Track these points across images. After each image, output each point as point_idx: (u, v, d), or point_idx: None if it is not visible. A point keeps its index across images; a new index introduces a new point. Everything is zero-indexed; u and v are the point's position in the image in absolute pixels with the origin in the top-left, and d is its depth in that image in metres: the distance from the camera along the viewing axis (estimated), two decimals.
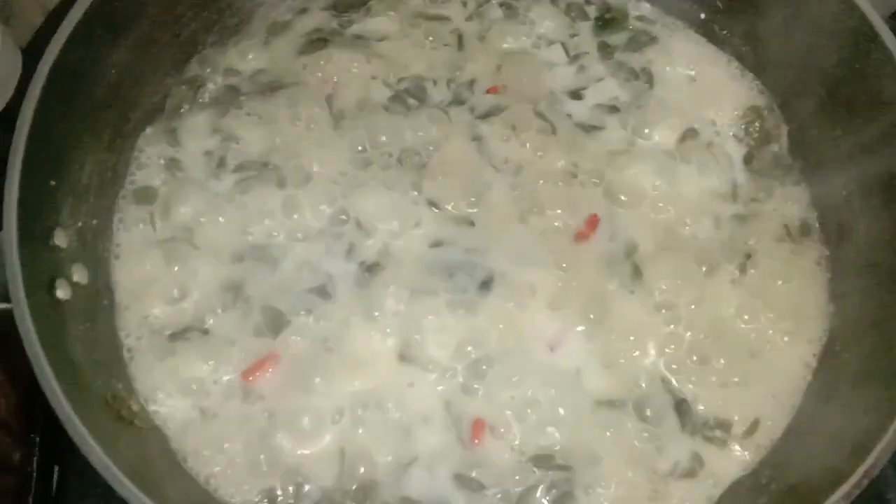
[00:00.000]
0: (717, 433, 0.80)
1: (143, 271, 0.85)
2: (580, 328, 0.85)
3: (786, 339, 0.85)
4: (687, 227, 0.91)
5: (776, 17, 0.95)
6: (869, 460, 0.64)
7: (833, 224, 0.90)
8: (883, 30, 0.83)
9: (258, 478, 0.77)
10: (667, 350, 0.84)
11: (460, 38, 1.02)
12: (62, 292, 0.75)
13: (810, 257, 0.90)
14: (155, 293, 0.84)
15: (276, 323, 0.83)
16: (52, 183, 0.79)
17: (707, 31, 1.02)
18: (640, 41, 1.02)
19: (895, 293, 0.81)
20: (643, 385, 0.83)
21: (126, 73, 0.89)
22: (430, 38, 1.01)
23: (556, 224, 0.90)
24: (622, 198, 0.92)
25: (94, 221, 0.84)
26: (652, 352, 0.84)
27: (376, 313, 0.83)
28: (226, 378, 0.81)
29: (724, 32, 1.00)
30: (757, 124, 0.97)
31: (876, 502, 0.91)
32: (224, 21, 0.98)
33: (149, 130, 0.93)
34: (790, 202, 0.93)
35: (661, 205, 0.92)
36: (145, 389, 0.80)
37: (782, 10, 0.94)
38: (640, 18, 1.03)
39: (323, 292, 0.85)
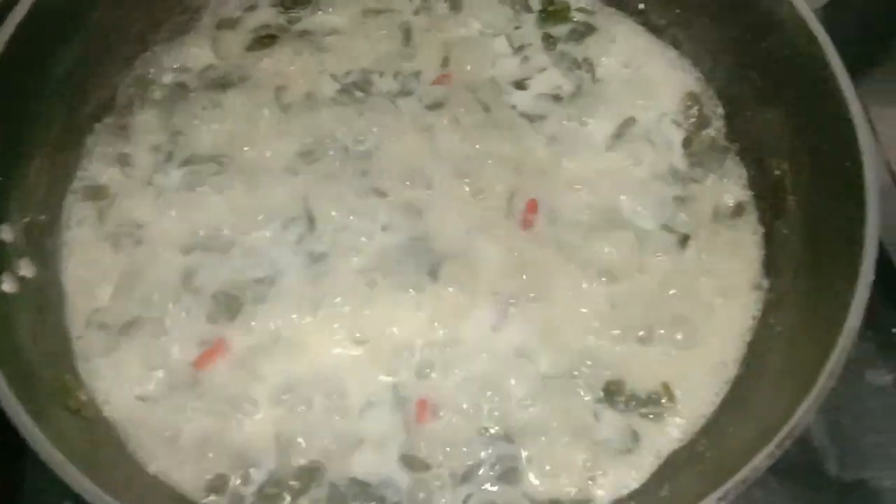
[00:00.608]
0: (655, 407, 0.83)
1: (92, 265, 0.87)
2: (524, 308, 0.87)
3: (722, 313, 0.87)
4: (628, 209, 0.94)
5: (709, 5, 0.98)
6: (792, 421, 0.66)
7: (767, 203, 0.93)
8: (808, 16, 0.86)
9: (205, 463, 0.79)
10: (607, 326, 0.86)
11: (407, 32, 1.04)
12: (8, 285, 0.77)
13: (746, 235, 0.92)
14: (104, 286, 0.86)
15: (224, 313, 0.84)
16: None
17: (645, 21, 1.04)
18: (582, 32, 1.04)
19: (825, 267, 0.84)
20: (585, 361, 0.85)
21: (75, 69, 0.90)
22: (378, 32, 1.03)
23: (502, 210, 0.92)
24: (565, 183, 0.94)
25: (43, 217, 0.86)
26: (593, 326, 0.86)
27: (325, 302, 0.85)
28: (174, 367, 0.83)
29: (662, 21, 1.03)
30: (695, 109, 1.00)
31: (815, 476, 0.94)
32: (173, 18, 1.00)
33: (99, 127, 0.94)
34: (727, 183, 0.96)
35: (603, 188, 0.95)
36: (94, 380, 0.82)
37: None
38: (582, 10, 1.06)
39: (271, 282, 0.86)
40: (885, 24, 1.23)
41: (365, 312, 0.85)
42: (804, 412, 0.67)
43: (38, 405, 0.70)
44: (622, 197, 0.94)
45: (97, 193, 0.91)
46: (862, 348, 1.05)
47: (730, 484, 0.65)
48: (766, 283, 0.89)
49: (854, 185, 0.79)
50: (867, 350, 1.06)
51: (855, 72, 1.22)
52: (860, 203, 0.77)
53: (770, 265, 0.90)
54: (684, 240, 0.92)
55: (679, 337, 0.86)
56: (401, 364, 0.84)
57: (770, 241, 0.91)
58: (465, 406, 0.82)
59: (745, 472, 0.65)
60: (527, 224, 0.92)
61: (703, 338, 0.86)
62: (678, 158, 0.98)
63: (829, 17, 1.20)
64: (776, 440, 0.66)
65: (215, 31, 1.02)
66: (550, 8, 1.06)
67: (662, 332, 0.86)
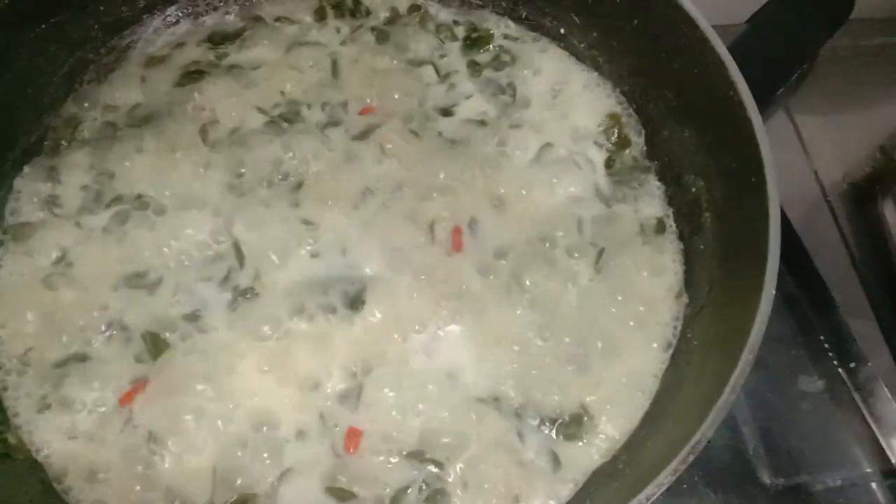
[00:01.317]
0: (578, 427, 0.85)
1: (21, 307, 0.87)
2: (453, 332, 0.89)
3: (642, 329, 0.89)
4: (552, 230, 0.96)
5: (626, 28, 1.01)
6: (694, 437, 0.68)
7: (685, 219, 0.95)
8: (716, 41, 0.89)
9: (138, 501, 0.80)
10: (531, 348, 0.88)
11: (334, 63, 1.06)
12: None
13: (666, 252, 0.95)
14: (32, 326, 0.86)
15: (151, 349, 0.85)
16: None
17: (567, 45, 1.07)
18: (506, 58, 1.07)
19: (736, 280, 0.86)
20: (509, 382, 0.86)
21: (1, 113, 0.91)
22: (305, 64, 1.05)
23: (428, 235, 0.94)
24: (491, 207, 0.96)
25: None
26: (517, 348, 0.88)
27: (252, 335, 0.87)
28: (104, 405, 0.84)
29: (582, 45, 1.06)
30: (616, 130, 1.02)
31: (749, 483, 0.98)
32: (100, 59, 1.01)
33: (27, 169, 0.95)
34: (648, 201, 0.98)
35: (527, 211, 0.97)
36: (23, 422, 0.82)
37: (630, 22, 0.99)
38: (506, 36, 1.09)
39: (198, 318, 0.88)
40: (809, 34, 1.26)
41: (293, 343, 0.87)
42: (707, 427, 0.69)
43: None
44: (547, 218, 0.96)
45: (25, 235, 0.91)
46: (793, 355, 1.09)
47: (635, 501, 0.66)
48: (685, 298, 0.91)
49: (758, 201, 0.82)
50: (798, 357, 1.09)
51: (780, 83, 1.27)
52: (764, 217, 0.80)
53: (689, 280, 0.92)
54: (606, 258, 0.93)
55: (601, 355, 0.88)
56: (330, 393, 0.85)
57: (689, 256, 0.94)
58: (393, 433, 0.84)
59: (649, 489, 0.66)
60: (455, 248, 0.94)
61: (626, 354, 0.88)
62: (601, 178, 1.00)
63: (754, 29, 1.25)
64: (680, 456, 0.67)
65: (143, 69, 1.04)
66: (474, 35, 1.09)
67: (586, 351, 0.88)
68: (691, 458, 0.69)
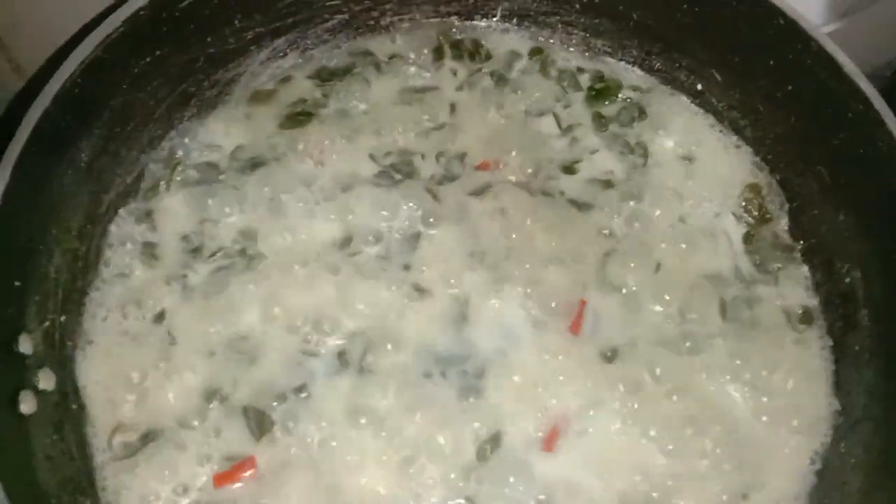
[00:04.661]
0: None
1: (115, 369, 0.81)
2: (575, 424, 0.81)
3: (790, 437, 0.81)
4: (684, 315, 0.87)
5: (775, 90, 0.91)
6: None
7: (837, 313, 0.87)
8: (888, 116, 0.80)
9: None
10: (658, 451, 0.80)
11: (452, 109, 0.98)
12: (26, 406, 0.71)
13: (813, 347, 0.86)
14: (127, 393, 0.80)
15: (255, 426, 0.79)
16: (17, 284, 0.74)
17: (704, 103, 0.98)
18: (634, 112, 0.98)
19: None
20: (644, 487, 0.79)
21: (98, 155, 0.85)
22: (419, 109, 0.97)
23: (548, 310, 0.86)
24: (615, 285, 0.88)
25: (63, 318, 0.80)
26: (644, 454, 0.80)
27: (363, 418, 0.79)
28: (199, 485, 0.77)
29: (722, 104, 0.97)
30: (756, 202, 0.94)
31: None
32: (202, 94, 0.94)
33: (123, 213, 0.88)
34: (792, 286, 0.90)
35: (656, 289, 0.88)
36: (113, 500, 0.76)
37: (781, 83, 0.90)
38: (635, 88, 1.00)
39: (305, 391, 0.80)
40: None
41: (410, 430, 0.79)
42: None
43: None
44: (678, 302, 0.88)
45: (121, 288, 0.85)
46: None
47: None
48: (836, 404, 0.83)
49: None
50: None
51: None
52: None
53: (840, 383, 0.84)
54: (747, 352, 0.85)
55: (744, 466, 0.79)
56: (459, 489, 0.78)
57: (840, 356, 0.85)
58: None
59: None
60: (575, 328, 0.86)
61: (769, 464, 0.80)
62: (739, 256, 0.91)
63: None
64: None
65: (248, 104, 0.96)
66: (600, 85, 1.00)
67: (719, 456, 0.79)
68: None
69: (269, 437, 0.78)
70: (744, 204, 0.94)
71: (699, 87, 0.98)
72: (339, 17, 0.99)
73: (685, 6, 0.93)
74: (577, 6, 0.99)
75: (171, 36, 0.87)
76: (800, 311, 0.88)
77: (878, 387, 0.80)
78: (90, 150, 0.83)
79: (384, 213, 0.90)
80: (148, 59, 0.86)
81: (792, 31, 0.86)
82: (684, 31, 0.95)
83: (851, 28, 1.25)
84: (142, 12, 0.82)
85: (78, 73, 0.79)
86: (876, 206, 0.83)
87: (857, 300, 0.84)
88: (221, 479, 0.77)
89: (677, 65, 0.99)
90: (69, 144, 0.81)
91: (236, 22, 0.92)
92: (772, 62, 0.90)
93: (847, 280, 0.86)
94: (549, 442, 0.80)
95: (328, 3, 0.97)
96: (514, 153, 0.95)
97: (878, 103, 0.81)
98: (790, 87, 0.90)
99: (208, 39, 0.91)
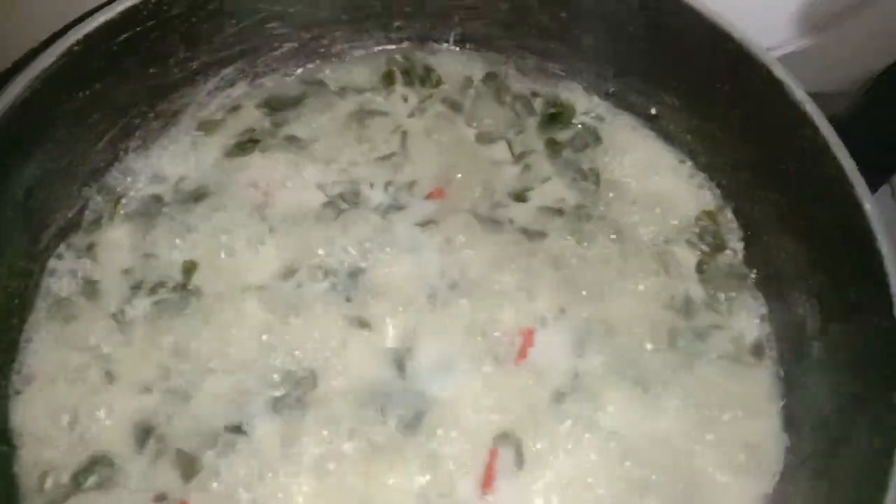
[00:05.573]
0: None
1: (49, 408, 0.80)
2: (514, 463, 0.79)
3: (737, 477, 0.79)
4: (633, 344, 0.85)
5: (729, 115, 0.89)
6: None
7: (788, 344, 0.84)
8: (835, 143, 0.78)
9: None
10: (607, 483, 0.78)
11: (402, 136, 0.97)
12: None
13: (764, 381, 0.84)
14: (59, 431, 0.79)
15: (187, 466, 0.77)
16: None
17: (659, 128, 0.96)
18: (589, 138, 0.97)
19: (854, 425, 0.75)
20: None
21: (37, 189, 0.84)
22: (369, 137, 0.96)
23: (493, 343, 0.84)
24: (564, 314, 0.86)
25: None
26: (588, 484, 0.78)
27: (299, 455, 0.78)
28: None
29: (677, 130, 0.95)
30: (711, 230, 0.92)
31: None
32: (147, 125, 0.93)
33: (63, 248, 0.87)
34: (744, 317, 0.87)
35: (608, 321, 0.86)
36: None
37: (734, 109, 0.88)
38: (590, 113, 0.98)
39: (240, 430, 0.79)
40: None
41: (347, 464, 0.78)
42: None
43: None
44: (627, 330, 0.86)
45: (58, 323, 0.84)
46: None
47: None
48: (785, 440, 0.80)
49: (881, 345, 0.71)
50: None
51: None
52: (890, 375, 0.69)
53: (789, 418, 0.81)
54: (694, 382, 0.83)
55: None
56: None
57: (791, 389, 0.83)
58: None
59: None
60: (520, 359, 0.84)
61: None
62: (692, 284, 0.89)
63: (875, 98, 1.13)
64: None
65: (194, 135, 0.95)
66: (553, 111, 0.98)
67: (665, 497, 0.77)
68: None
69: (199, 479, 0.76)
70: (698, 231, 0.92)
71: (654, 111, 0.96)
72: (289, 45, 0.98)
73: (638, 30, 0.91)
74: (531, 30, 0.97)
75: (111, 69, 0.85)
76: (751, 343, 0.86)
77: (827, 422, 0.77)
78: (28, 186, 0.82)
79: (329, 244, 0.89)
80: (87, 93, 0.85)
81: (741, 54, 0.83)
82: (638, 56, 0.93)
83: (825, 44, 1.22)
84: (76, 47, 0.81)
85: (12, 110, 0.78)
86: (827, 235, 0.81)
87: (809, 332, 0.82)
88: None
89: (632, 89, 0.97)
90: (5, 180, 0.80)
91: (180, 53, 0.91)
92: (724, 87, 0.88)
93: (799, 311, 0.83)
94: (490, 481, 0.78)
95: (276, 32, 0.96)
96: (465, 181, 0.93)
97: (826, 129, 0.78)
98: (743, 113, 0.87)
99: (151, 71, 0.90)
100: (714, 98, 0.89)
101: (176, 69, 0.92)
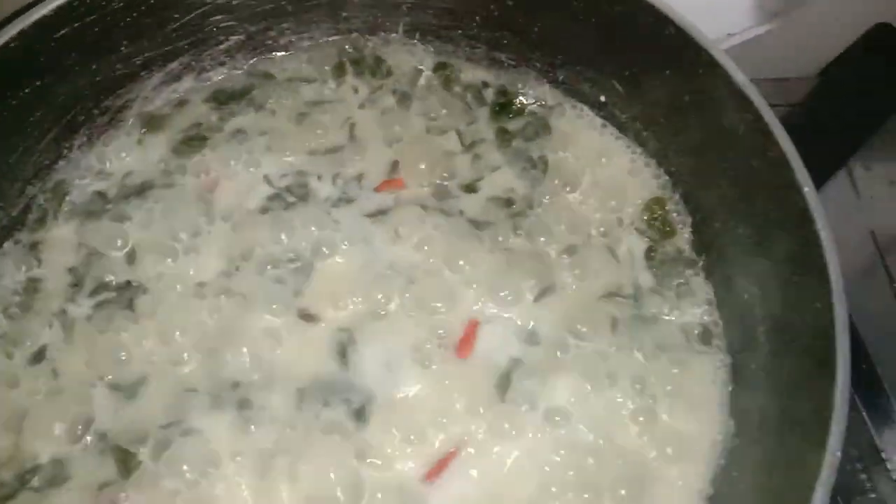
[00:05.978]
0: None
1: None
2: (463, 454, 0.79)
3: (680, 460, 0.79)
4: (579, 336, 0.85)
5: (674, 101, 0.89)
6: None
7: (735, 330, 0.84)
8: (776, 127, 0.78)
9: None
10: (552, 472, 0.78)
11: (352, 128, 0.96)
12: None
13: (711, 367, 0.84)
14: (3, 431, 0.78)
15: (127, 462, 0.77)
16: None
17: (608, 116, 0.96)
18: (539, 126, 0.96)
19: (800, 409, 0.75)
20: None
21: None
22: (317, 129, 0.95)
23: (437, 336, 0.84)
24: (510, 305, 0.86)
25: None
26: (537, 480, 0.78)
27: (241, 455, 0.77)
28: None
29: (625, 116, 0.95)
30: (660, 215, 0.91)
31: None
32: (92, 121, 0.92)
33: (7, 247, 0.87)
34: (692, 303, 0.87)
35: (555, 311, 0.86)
36: None
37: (678, 95, 0.88)
38: (539, 102, 0.98)
39: (183, 429, 0.78)
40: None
41: (286, 464, 0.77)
42: None
43: None
44: (574, 319, 0.85)
45: (1, 325, 0.83)
46: None
47: None
48: (731, 425, 0.80)
49: (822, 328, 0.70)
50: None
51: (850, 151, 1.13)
52: (830, 358, 0.68)
53: (736, 404, 0.81)
54: (642, 371, 0.83)
55: (632, 493, 0.77)
56: None
57: (738, 375, 0.82)
58: None
59: None
60: (464, 352, 0.83)
61: (655, 492, 0.77)
62: (641, 271, 0.89)
63: (826, 85, 1.13)
64: None
65: (140, 130, 0.95)
66: (503, 100, 0.98)
67: (615, 487, 0.77)
68: None
69: (139, 474, 0.76)
70: (646, 217, 0.91)
71: (602, 98, 0.96)
72: (236, 38, 0.97)
73: (583, 17, 0.90)
74: (478, 20, 0.97)
75: (52, 65, 0.85)
76: (699, 330, 0.85)
77: (770, 408, 0.77)
78: None
79: (276, 238, 0.88)
80: (27, 90, 0.84)
81: (683, 40, 0.83)
82: (585, 43, 0.93)
83: (784, 30, 1.23)
84: (12, 44, 0.80)
85: None
86: (770, 220, 0.80)
87: (755, 317, 0.82)
88: None
89: (581, 77, 0.96)
90: None
91: (122, 48, 0.90)
92: (668, 73, 0.87)
93: (745, 296, 0.83)
94: (435, 473, 0.78)
95: (222, 25, 0.95)
96: (414, 173, 0.93)
97: (767, 113, 0.78)
98: (687, 99, 0.87)
99: (93, 67, 0.89)
100: (659, 84, 0.89)
101: (120, 64, 0.91)
